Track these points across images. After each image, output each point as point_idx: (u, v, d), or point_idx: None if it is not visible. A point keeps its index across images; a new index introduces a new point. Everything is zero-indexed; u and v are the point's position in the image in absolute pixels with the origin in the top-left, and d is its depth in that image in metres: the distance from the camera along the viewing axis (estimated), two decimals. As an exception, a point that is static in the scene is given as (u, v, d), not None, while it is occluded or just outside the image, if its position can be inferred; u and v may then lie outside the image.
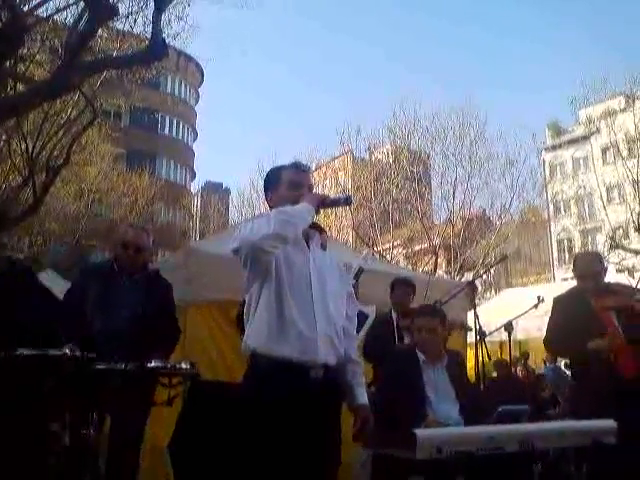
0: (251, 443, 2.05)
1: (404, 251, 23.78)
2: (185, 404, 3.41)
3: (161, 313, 3.29)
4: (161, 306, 3.32)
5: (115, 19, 10.15)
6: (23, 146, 12.59)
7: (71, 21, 10.11)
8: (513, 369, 7.32)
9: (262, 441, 2.03)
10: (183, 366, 2.74)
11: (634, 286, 3.82)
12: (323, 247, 2.35)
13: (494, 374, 7.02)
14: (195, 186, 38.12)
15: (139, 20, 12.43)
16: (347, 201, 2.34)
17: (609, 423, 2.55)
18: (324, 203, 2.26)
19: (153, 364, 2.67)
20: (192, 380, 2.89)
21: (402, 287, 4.62)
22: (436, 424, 2.98)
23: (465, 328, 5.13)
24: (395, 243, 23.04)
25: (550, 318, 3.77)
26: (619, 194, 24.17)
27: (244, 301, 2.24)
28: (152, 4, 7.43)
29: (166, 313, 3.36)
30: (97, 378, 2.52)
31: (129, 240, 3.33)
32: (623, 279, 6.63)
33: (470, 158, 22.24)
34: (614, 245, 19.77)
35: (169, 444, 3.43)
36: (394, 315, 4.51)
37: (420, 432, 2.19)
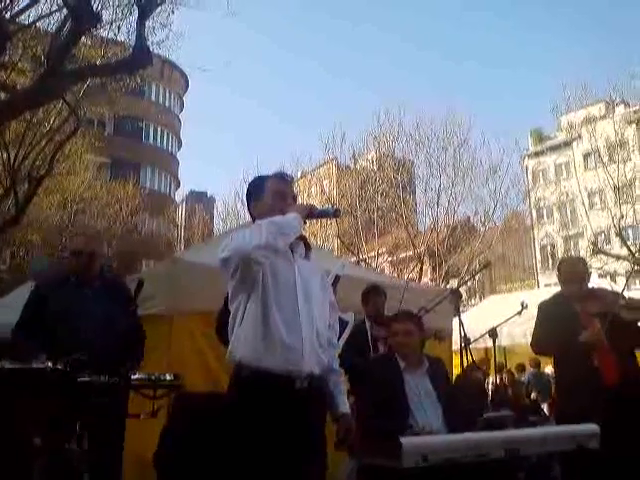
0: (236, 454, 2.04)
1: (389, 259, 23.87)
2: (170, 416, 3.38)
3: (128, 319, 3.21)
4: (126, 311, 3.24)
5: (99, 26, 10.11)
6: (5, 156, 12.47)
7: (54, 28, 10.07)
8: (498, 376, 7.33)
9: (247, 451, 2.02)
10: (167, 377, 2.72)
11: (617, 291, 3.84)
12: (306, 257, 2.34)
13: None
14: (180, 195, 38.00)
15: (123, 28, 12.51)
16: (335, 214, 2.32)
17: (593, 428, 2.56)
18: (312, 214, 2.24)
19: (137, 376, 2.65)
20: (177, 391, 2.87)
21: (375, 296, 4.59)
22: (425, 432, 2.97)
23: (439, 337, 5.09)
24: (380, 251, 23.11)
25: (536, 323, 3.79)
26: (600, 199, 24.54)
27: (221, 311, 2.22)
28: (136, 11, 7.41)
29: (132, 318, 3.27)
30: (80, 391, 2.49)
31: (81, 248, 3.30)
32: (605, 284, 6.70)
33: (454, 165, 22.50)
34: (596, 250, 20.03)
35: (154, 456, 3.38)
36: (367, 325, 4.46)
37: (405, 440, 2.19)
